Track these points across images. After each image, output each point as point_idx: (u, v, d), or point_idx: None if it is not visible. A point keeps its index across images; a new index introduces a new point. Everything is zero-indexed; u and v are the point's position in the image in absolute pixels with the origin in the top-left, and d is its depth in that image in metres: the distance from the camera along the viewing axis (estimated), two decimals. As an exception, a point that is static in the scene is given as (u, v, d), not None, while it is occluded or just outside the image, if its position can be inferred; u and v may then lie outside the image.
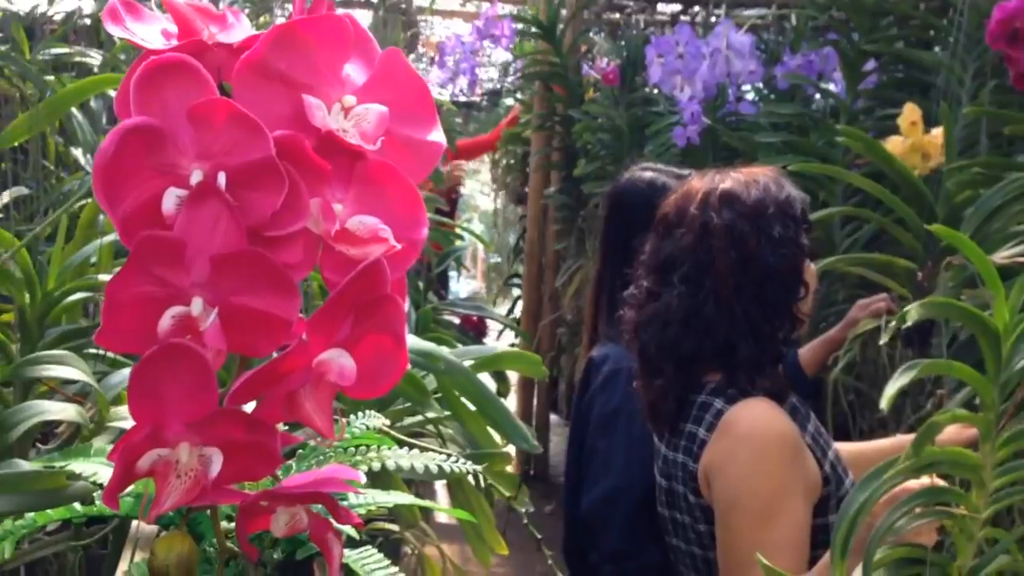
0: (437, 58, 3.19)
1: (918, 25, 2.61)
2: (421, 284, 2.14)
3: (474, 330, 2.05)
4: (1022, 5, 1.91)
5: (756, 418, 1.21)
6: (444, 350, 1.15)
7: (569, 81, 3.87)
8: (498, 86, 4.78)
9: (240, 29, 0.60)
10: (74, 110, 1.75)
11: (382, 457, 0.70)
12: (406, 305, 1.73)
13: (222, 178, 0.52)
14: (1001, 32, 1.95)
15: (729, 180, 1.30)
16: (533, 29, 3.87)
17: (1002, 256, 1.06)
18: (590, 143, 3.61)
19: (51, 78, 2.41)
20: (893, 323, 1.60)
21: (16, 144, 2.28)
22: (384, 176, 0.56)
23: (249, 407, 0.54)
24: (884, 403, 0.96)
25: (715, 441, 1.22)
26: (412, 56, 2.77)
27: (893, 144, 2.11)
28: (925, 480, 1.02)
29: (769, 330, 1.27)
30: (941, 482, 1.02)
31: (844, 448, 1.42)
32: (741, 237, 1.25)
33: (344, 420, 0.78)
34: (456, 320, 2.76)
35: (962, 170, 1.63)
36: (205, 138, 0.53)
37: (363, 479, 0.55)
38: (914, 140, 2.14)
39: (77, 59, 2.77)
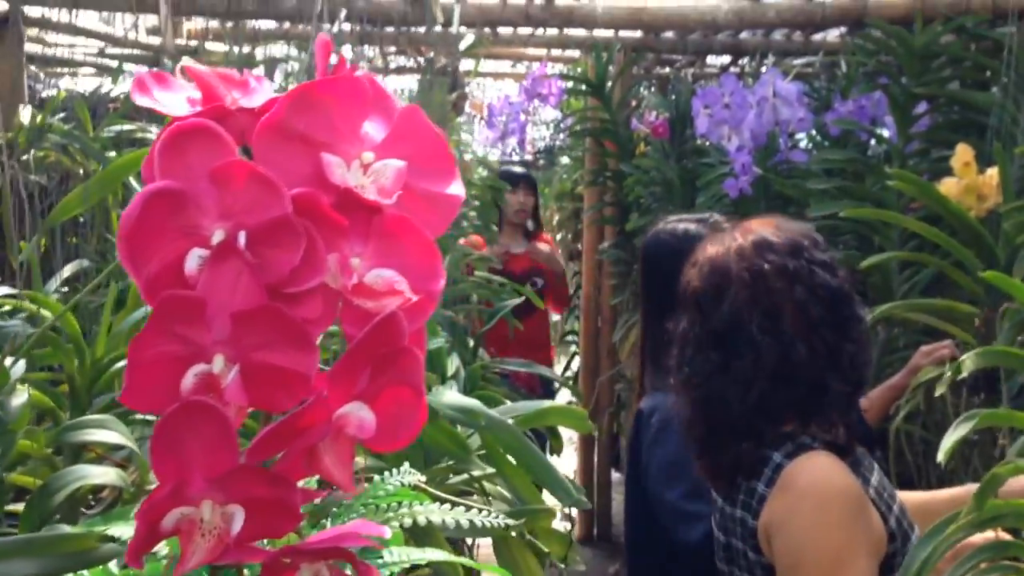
0: (485, 119, 3.23)
1: (970, 67, 2.58)
2: (472, 341, 2.14)
3: (525, 387, 2.04)
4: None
5: (818, 473, 1.18)
6: (485, 407, 1.14)
7: (619, 136, 3.89)
8: (551, 144, 4.83)
9: (262, 93, 0.61)
10: (133, 181, 1.80)
11: (413, 513, 0.69)
12: (455, 363, 1.73)
13: (242, 237, 0.53)
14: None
15: (749, 235, 1.29)
16: (583, 87, 3.91)
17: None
18: (641, 197, 3.61)
19: (112, 154, 2.49)
20: (949, 372, 1.56)
21: (79, 217, 2.35)
22: (401, 229, 0.56)
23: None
24: (941, 456, 0.93)
25: (776, 497, 1.19)
26: (462, 118, 2.80)
27: (947, 186, 2.08)
28: (990, 534, 0.98)
29: (851, 356, 1.24)
30: (1007, 536, 0.99)
31: (911, 498, 1.38)
32: (797, 272, 1.24)
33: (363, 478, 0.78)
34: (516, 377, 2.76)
35: (1020, 211, 1.59)
36: (226, 199, 0.54)
37: (388, 534, 0.54)
38: (968, 181, 2.10)
39: (139, 135, 2.87)
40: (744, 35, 3.92)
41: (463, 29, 2.63)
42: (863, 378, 1.26)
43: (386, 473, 0.74)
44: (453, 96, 2.34)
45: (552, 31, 3.99)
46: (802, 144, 3.34)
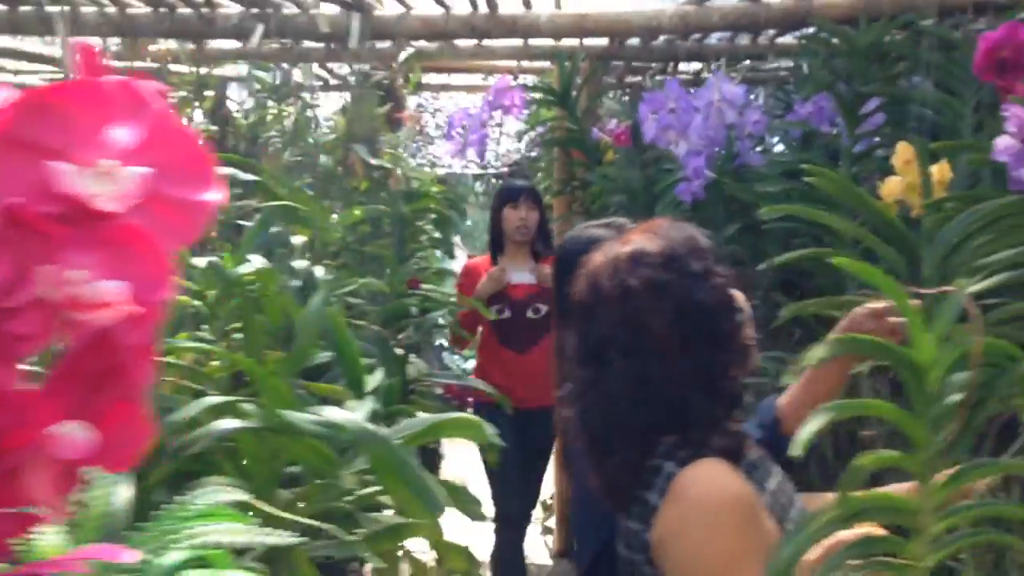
0: (424, 131, 3.21)
1: (915, 64, 2.57)
2: (400, 353, 2.12)
3: (458, 400, 2.02)
4: (1005, 35, 1.87)
5: (708, 480, 1.15)
6: (358, 422, 1.12)
7: (586, 145, 3.87)
8: (526, 155, 4.82)
9: None
10: None
11: (199, 534, 0.67)
12: (377, 378, 1.71)
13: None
14: (988, 63, 1.90)
15: (630, 242, 1.28)
16: (548, 97, 3.90)
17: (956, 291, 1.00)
18: (608, 205, 3.59)
19: None
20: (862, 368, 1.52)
21: None
22: (132, 239, 0.55)
23: None
24: (796, 449, 0.90)
25: (667, 507, 1.17)
26: (402, 131, 2.79)
27: (889, 185, 2.06)
28: (861, 530, 0.96)
29: (721, 373, 1.22)
30: (879, 531, 0.96)
31: (827, 499, 1.36)
32: (664, 286, 1.22)
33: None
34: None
35: (939, 207, 1.57)
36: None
37: (129, 558, 0.52)
38: (910, 179, 2.08)
39: None
40: (712, 40, 3.91)
41: (413, 43, 2.62)
42: (738, 398, 1.24)
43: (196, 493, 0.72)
44: (385, 108, 2.32)
45: (516, 42, 3.99)
46: (778, 148, 3.34)
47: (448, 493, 1.29)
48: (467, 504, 1.33)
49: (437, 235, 3.15)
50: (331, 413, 1.10)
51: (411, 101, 5.19)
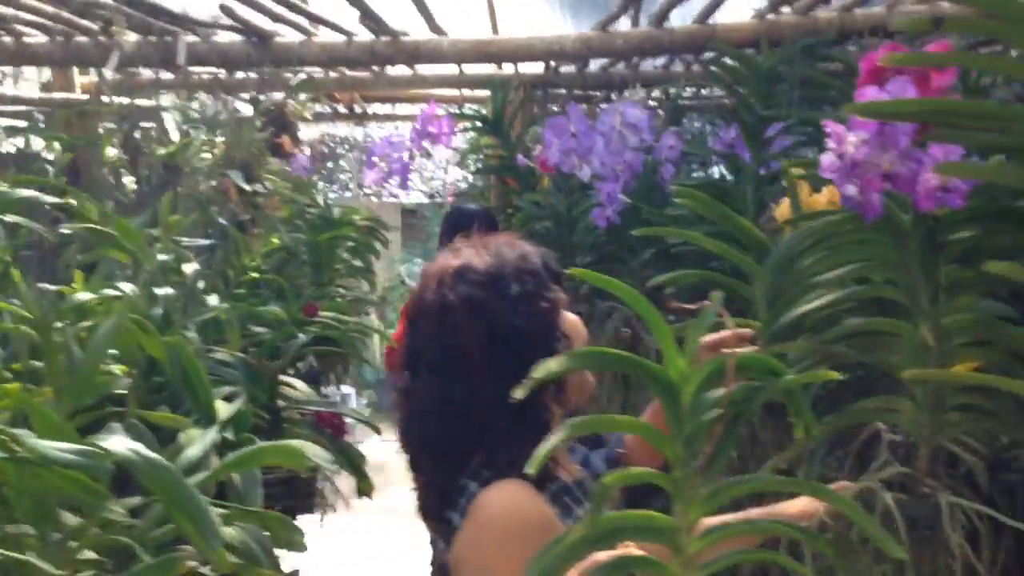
0: (295, 157, 3.18)
1: (816, 87, 2.57)
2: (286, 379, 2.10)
3: (330, 427, 2.00)
4: (885, 54, 1.87)
5: (502, 503, 1.13)
6: (128, 451, 1.10)
7: (519, 172, 3.87)
8: (472, 184, 4.82)
9: None
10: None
11: None
12: (235, 406, 1.68)
13: None
14: (871, 82, 1.90)
15: (461, 255, 1.27)
16: (480, 124, 3.91)
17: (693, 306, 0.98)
18: (534, 231, 3.58)
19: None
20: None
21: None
22: None
23: None
24: (530, 467, 0.88)
25: (464, 529, 1.15)
26: (299, 160, 2.78)
27: (782, 207, 2.06)
28: (619, 550, 0.94)
29: (531, 401, 1.20)
30: (637, 551, 0.94)
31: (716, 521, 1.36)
32: (481, 305, 1.20)
33: None
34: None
35: (795, 224, 1.56)
36: None
37: None
38: (802, 199, 2.08)
39: None
40: (645, 66, 3.92)
41: (315, 70, 2.62)
42: (545, 424, 1.21)
43: None
44: (265, 134, 2.31)
45: (451, 70, 4.00)
46: (717, 175, 3.33)
47: (269, 523, 1.27)
48: (287, 534, 1.30)
49: (358, 263, 3.13)
50: (115, 443, 1.07)
51: (358, 132, 5.19)
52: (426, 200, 5.63)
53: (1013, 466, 1.66)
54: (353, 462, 2.04)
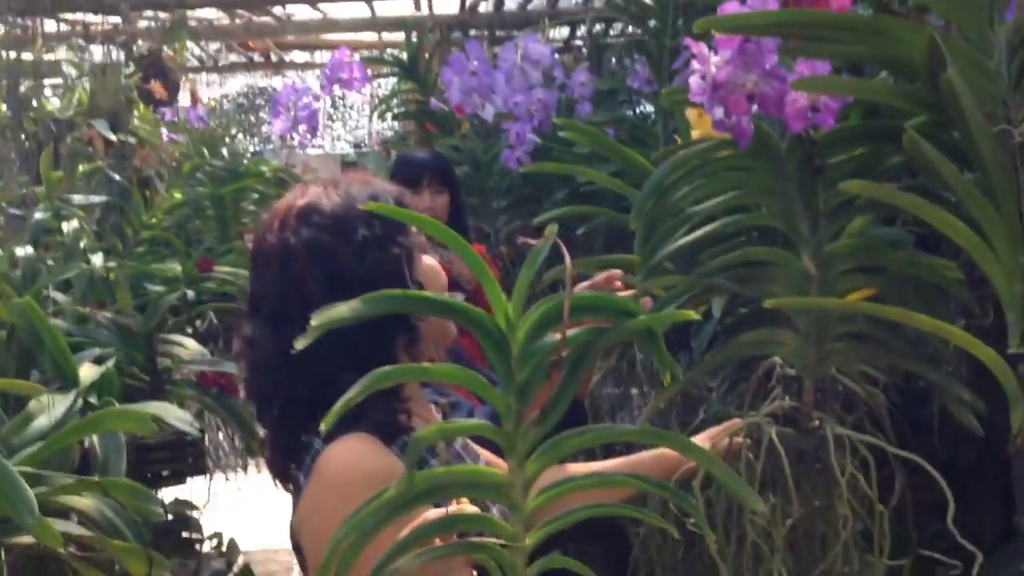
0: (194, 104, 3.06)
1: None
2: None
3: (215, 386, 1.92)
4: None
5: (344, 459, 1.06)
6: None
7: (437, 117, 3.76)
8: (399, 132, 4.70)
9: None
10: None
11: None
12: (99, 369, 1.59)
13: None
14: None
15: (309, 193, 1.18)
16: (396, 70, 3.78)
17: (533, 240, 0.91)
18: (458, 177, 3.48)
19: None
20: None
21: None
22: None
23: None
24: (325, 423, 0.81)
25: (307, 488, 1.08)
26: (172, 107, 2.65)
27: (696, 135, 1.99)
28: (450, 508, 0.87)
29: (378, 353, 1.12)
30: (471, 508, 0.87)
31: (608, 465, 1.34)
32: (323, 251, 1.12)
33: None
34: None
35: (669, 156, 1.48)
36: None
37: None
38: (702, 131, 2.01)
39: None
40: (565, 3, 3.81)
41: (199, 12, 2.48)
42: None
43: None
44: (134, 79, 2.17)
45: (363, 13, 3.87)
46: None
47: (115, 492, 1.19)
48: (138, 503, 1.22)
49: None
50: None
51: (277, 81, 5.02)
52: (350, 150, 5.50)
53: (914, 395, 1.63)
54: (242, 421, 1.96)
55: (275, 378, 1.10)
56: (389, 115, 4.30)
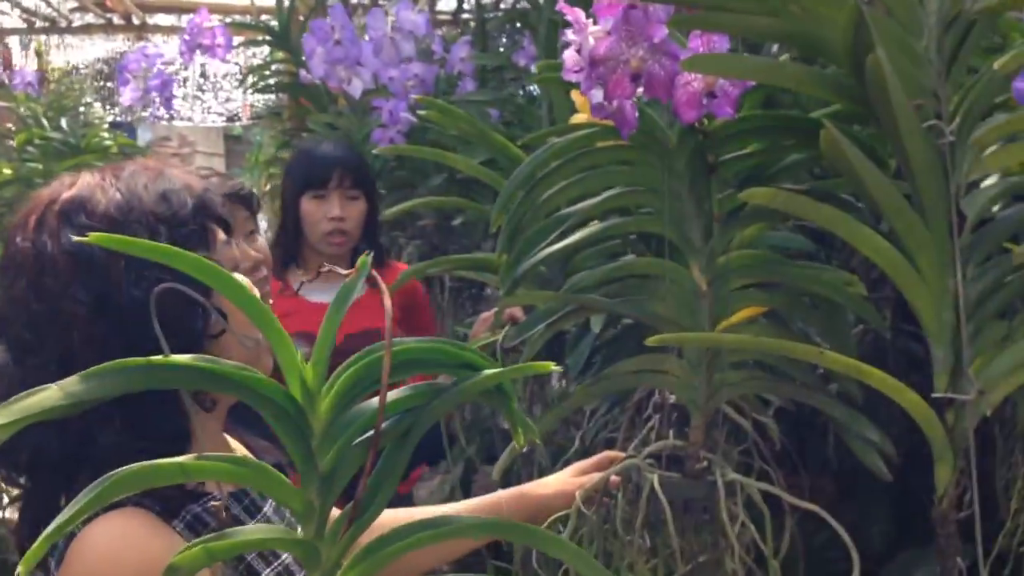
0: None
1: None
2: None
3: None
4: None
5: (102, 550, 0.81)
6: None
7: (311, 91, 3.47)
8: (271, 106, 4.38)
9: None
10: None
11: None
12: None
13: None
14: None
15: (80, 184, 0.92)
16: (263, 37, 3.47)
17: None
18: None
19: None
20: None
21: None
22: None
23: None
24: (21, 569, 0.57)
25: None
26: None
27: (576, 119, 1.79)
28: None
29: (155, 398, 0.87)
30: None
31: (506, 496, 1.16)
32: (89, 263, 0.86)
33: None
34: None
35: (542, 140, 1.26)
36: None
37: None
38: (587, 114, 1.81)
39: None
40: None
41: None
42: (177, 423, 0.87)
43: None
44: None
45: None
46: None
47: None
48: None
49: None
50: None
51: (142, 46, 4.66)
52: (221, 123, 5.14)
53: (814, 428, 1.46)
54: None
55: (24, 428, 0.84)
56: (263, 87, 3.98)
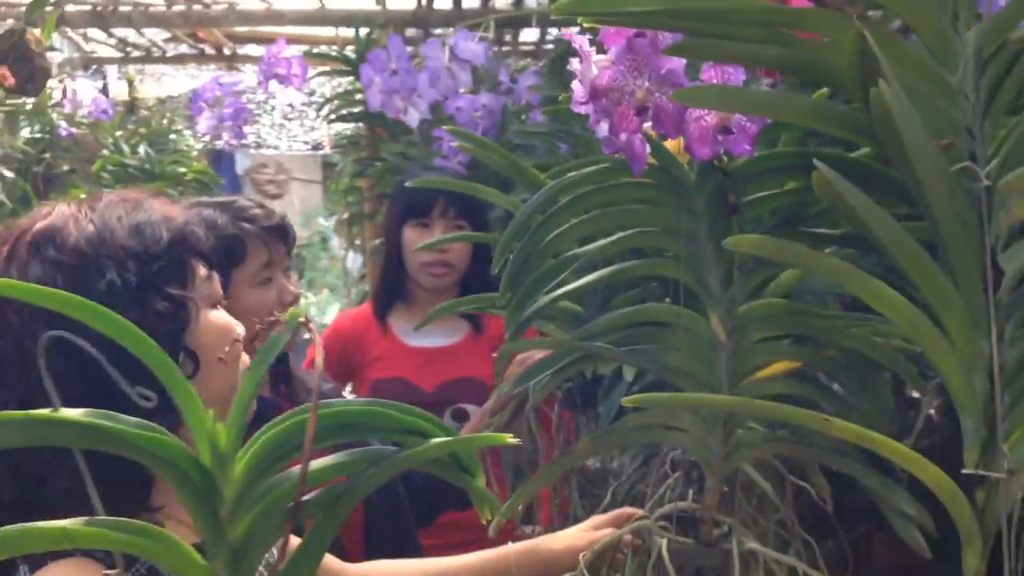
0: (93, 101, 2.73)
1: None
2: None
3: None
4: None
5: None
6: None
7: (387, 120, 3.48)
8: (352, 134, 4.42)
9: None
10: None
11: None
12: None
13: None
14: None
15: (56, 214, 0.89)
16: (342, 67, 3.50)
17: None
18: (387, 190, 3.21)
19: None
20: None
21: None
22: None
23: None
24: None
25: None
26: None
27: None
28: None
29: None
30: None
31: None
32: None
33: None
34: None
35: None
36: None
37: None
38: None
39: None
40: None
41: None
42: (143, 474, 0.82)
43: None
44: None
45: (310, 5, 3.60)
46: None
47: None
48: None
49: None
50: None
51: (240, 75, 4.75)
52: (308, 151, 5.19)
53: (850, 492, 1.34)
54: None
55: None
56: (340, 116, 4.02)
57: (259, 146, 4.50)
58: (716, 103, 0.76)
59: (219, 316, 0.93)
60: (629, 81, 0.87)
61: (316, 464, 0.55)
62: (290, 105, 3.40)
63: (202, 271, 0.93)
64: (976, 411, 0.76)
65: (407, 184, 1.68)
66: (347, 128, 4.53)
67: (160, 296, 0.86)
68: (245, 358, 0.92)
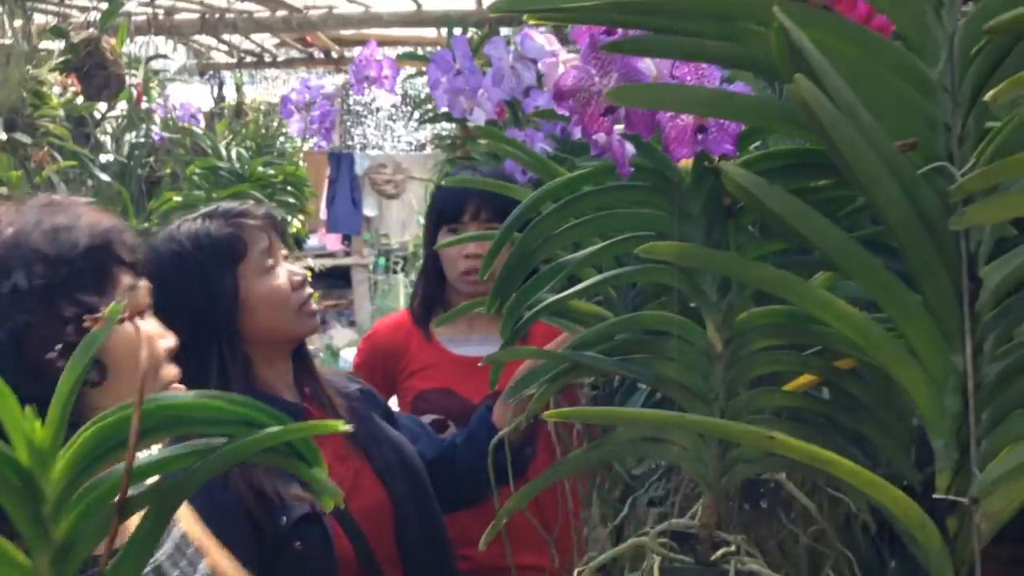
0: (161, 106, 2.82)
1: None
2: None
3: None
4: None
5: None
6: None
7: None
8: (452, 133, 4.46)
9: None
10: None
11: None
12: None
13: None
14: None
15: None
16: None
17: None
18: (483, 186, 3.21)
19: None
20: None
21: None
22: None
23: None
24: None
25: None
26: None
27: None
28: None
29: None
30: None
31: None
32: None
33: None
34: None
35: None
36: None
37: None
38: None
39: None
40: None
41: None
42: None
43: None
44: (45, 70, 1.95)
45: (408, 7, 3.64)
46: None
47: None
48: None
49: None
50: None
51: (339, 79, 4.86)
52: (412, 151, 5.27)
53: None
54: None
55: None
56: (432, 116, 4.06)
57: (364, 148, 4.58)
58: (648, 102, 0.72)
59: (143, 326, 0.94)
60: (596, 81, 0.84)
61: (142, 459, 0.54)
62: (394, 106, 3.44)
63: (126, 280, 0.94)
64: (947, 432, 0.70)
65: (442, 184, 1.69)
66: (444, 129, 4.59)
67: (69, 301, 0.87)
68: (170, 370, 0.93)
